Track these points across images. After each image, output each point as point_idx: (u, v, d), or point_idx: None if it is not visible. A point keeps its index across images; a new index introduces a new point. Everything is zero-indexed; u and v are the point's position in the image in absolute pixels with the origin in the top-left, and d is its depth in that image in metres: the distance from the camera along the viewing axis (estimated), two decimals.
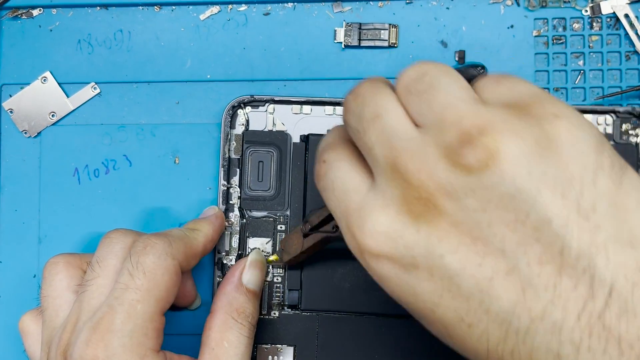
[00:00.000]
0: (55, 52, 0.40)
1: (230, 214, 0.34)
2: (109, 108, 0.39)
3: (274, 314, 0.33)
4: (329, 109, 0.35)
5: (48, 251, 0.38)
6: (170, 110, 0.39)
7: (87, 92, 0.39)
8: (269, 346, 0.33)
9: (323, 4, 0.39)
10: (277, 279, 0.33)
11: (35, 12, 0.40)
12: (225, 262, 0.34)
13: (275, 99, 0.35)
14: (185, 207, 0.38)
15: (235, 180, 0.34)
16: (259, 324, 0.32)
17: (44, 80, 0.39)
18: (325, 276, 0.33)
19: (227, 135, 0.34)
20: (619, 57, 0.38)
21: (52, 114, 0.39)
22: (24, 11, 0.40)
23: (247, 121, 0.34)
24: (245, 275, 0.31)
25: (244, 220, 0.34)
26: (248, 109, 0.34)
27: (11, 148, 0.40)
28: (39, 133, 0.39)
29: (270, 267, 0.33)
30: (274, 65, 0.39)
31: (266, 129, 0.34)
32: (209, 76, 0.39)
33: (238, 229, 0.34)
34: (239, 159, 0.34)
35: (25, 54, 0.40)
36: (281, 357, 0.33)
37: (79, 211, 0.39)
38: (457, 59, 0.38)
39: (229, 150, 0.34)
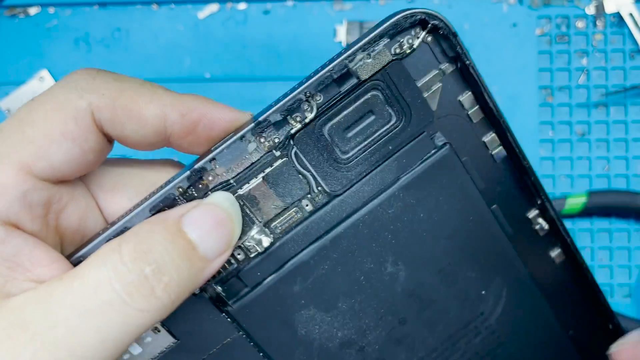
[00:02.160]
0: (52, 50, 0.39)
1: (270, 131, 0.19)
2: None
3: None
4: None
5: None
6: None
7: None
8: None
9: (323, 2, 0.39)
10: None
11: (32, 11, 0.39)
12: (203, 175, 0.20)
13: None
14: None
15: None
16: None
17: (41, 79, 0.39)
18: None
19: None
20: (622, 56, 0.38)
21: None
22: (21, 10, 0.40)
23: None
24: (196, 226, 0.18)
25: (288, 150, 0.20)
26: None
27: None
28: None
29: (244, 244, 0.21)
30: (273, 65, 0.38)
31: None
32: (208, 75, 0.39)
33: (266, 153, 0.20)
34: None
35: (23, 52, 0.39)
36: None
37: None
38: None
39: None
